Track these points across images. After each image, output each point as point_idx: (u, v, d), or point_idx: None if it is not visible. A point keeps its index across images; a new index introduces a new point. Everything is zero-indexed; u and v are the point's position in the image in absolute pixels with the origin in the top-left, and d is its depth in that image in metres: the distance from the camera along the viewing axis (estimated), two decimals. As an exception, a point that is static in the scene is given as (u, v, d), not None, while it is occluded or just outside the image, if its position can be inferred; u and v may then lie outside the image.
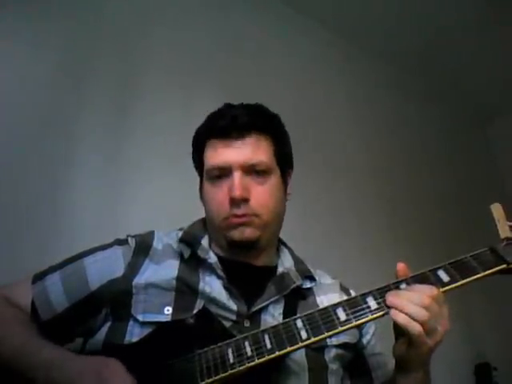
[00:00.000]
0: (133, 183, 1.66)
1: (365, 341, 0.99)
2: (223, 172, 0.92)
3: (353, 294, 1.02)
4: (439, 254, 2.58)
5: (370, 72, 2.96)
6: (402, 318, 0.74)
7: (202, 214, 1.06)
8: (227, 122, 0.93)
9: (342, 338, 0.91)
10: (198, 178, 1.02)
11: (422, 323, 0.73)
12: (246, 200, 0.90)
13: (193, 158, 1.02)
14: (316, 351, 0.88)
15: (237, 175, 0.91)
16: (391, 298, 0.76)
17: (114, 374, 0.71)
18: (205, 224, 1.02)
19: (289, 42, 2.55)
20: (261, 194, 0.92)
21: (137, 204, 1.62)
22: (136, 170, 1.69)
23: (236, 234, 0.91)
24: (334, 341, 0.90)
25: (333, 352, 0.90)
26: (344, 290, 1.05)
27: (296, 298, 0.94)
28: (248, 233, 0.91)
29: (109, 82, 1.74)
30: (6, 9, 1.54)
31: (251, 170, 0.92)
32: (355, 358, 0.96)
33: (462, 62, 3.09)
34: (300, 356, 0.85)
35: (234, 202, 0.90)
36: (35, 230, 1.39)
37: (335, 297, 0.98)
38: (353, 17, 2.72)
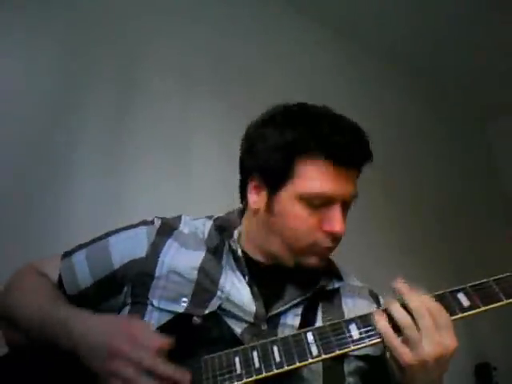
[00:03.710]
0: (132, 178, 1.66)
1: None
2: (326, 201, 0.84)
3: (382, 301, 0.97)
4: (440, 253, 2.58)
5: (370, 72, 2.92)
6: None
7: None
8: (353, 151, 0.84)
9: (364, 350, 0.82)
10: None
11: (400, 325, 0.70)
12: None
13: (266, 156, 0.87)
14: (335, 361, 0.83)
15: (339, 209, 0.85)
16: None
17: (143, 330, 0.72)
18: (240, 217, 0.99)
19: (289, 42, 2.51)
20: (344, 230, 0.86)
21: (136, 198, 1.62)
22: (136, 165, 1.69)
23: (313, 261, 0.87)
24: (356, 351, 0.79)
25: (353, 364, 0.86)
26: (373, 296, 0.99)
27: (319, 299, 0.91)
28: (322, 263, 0.89)
29: (109, 75, 1.72)
30: (4, 9, 1.53)
31: (345, 204, 0.88)
32: (376, 371, 0.89)
33: (462, 62, 3.06)
34: (316, 364, 0.79)
35: (333, 237, 0.85)
36: (34, 225, 1.40)
37: (364, 304, 0.93)
38: (352, 16, 2.68)
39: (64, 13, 1.68)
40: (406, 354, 0.69)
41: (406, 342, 0.70)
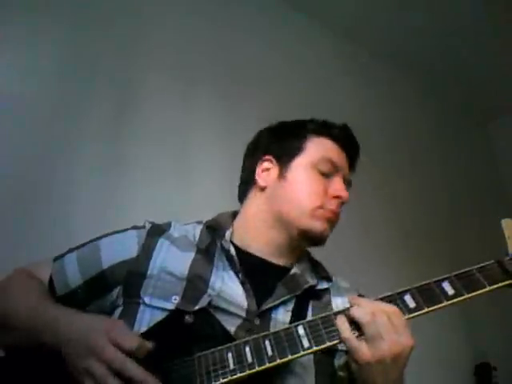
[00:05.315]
0: (132, 177, 1.66)
1: None
2: (332, 169, 0.99)
3: None
4: (440, 252, 2.59)
5: (370, 71, 2.93)
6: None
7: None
8: (351, 142, 1.06)
9: None
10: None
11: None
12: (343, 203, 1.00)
13: (281, 139, 1.05)
14: (326, 355, 0.86)
15: (342, 180, 1.00)
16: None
17: (121, 333, 0.72)
18: (232, 218, 1.04)
19: (290, 44, 2.52)
20: (348, 197, 1.00)
21: (136, 197, 1.62)
22: (136, 163, 1.68)
23: (319, 226, 0.96)
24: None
25: (343, 358, 0.87)
26: (361, 297, 1.01)
27: (309, 297, 0.94)
28: (328, 231, 0.98)
29: (108, 73, 1.73)
30: (5, 12, 1.54)
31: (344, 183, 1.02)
32: None
33: (462, 62, 3.07)
34: (307, 359, 0.82)
35: (338, 200, 0.98)
36: (34, 228, 1.39)
37: None
38: (354, 16, 2.70)
39: (63, 11, 1.69)
40: (363, 351, 0.71)
41: (365, 340, 0.72)
